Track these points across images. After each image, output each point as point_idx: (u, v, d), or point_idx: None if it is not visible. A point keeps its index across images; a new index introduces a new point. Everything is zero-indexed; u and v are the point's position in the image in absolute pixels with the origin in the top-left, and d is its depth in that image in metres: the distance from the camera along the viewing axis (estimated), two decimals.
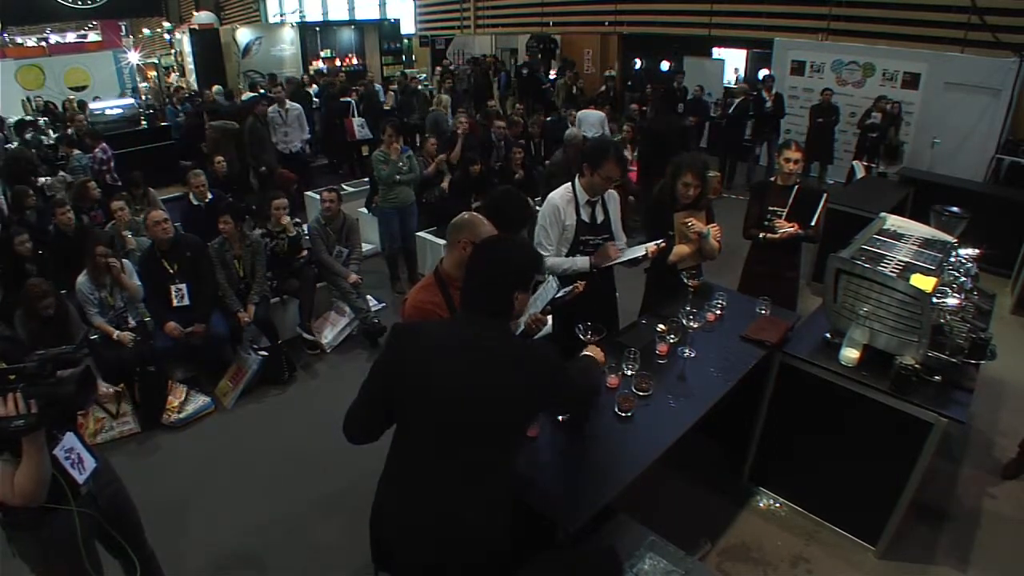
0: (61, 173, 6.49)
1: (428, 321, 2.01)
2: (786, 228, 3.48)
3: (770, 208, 3.59)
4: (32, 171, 6.51)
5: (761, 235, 3.59)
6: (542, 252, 2.94)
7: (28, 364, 1.60)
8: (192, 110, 9.50)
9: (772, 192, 3.63)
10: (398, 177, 5.10)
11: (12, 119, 10.18)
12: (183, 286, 3.96)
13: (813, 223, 3.51)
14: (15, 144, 8.01)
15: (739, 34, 10.39)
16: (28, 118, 10.53)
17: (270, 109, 7.54)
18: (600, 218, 3.03)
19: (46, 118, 10.31)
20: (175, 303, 3.94)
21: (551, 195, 3.03)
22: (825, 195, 3.56)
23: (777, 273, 3.61)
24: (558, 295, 2.35)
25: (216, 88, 10.95)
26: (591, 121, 7.62)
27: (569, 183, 3.01)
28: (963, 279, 2.65)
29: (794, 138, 8.59)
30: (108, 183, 6.74)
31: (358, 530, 2.84)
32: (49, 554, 1.89)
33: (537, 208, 3.26)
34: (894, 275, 2.61)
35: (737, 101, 8.34)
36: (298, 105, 7.71)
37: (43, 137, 8.70)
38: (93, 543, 2.03)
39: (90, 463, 1.91)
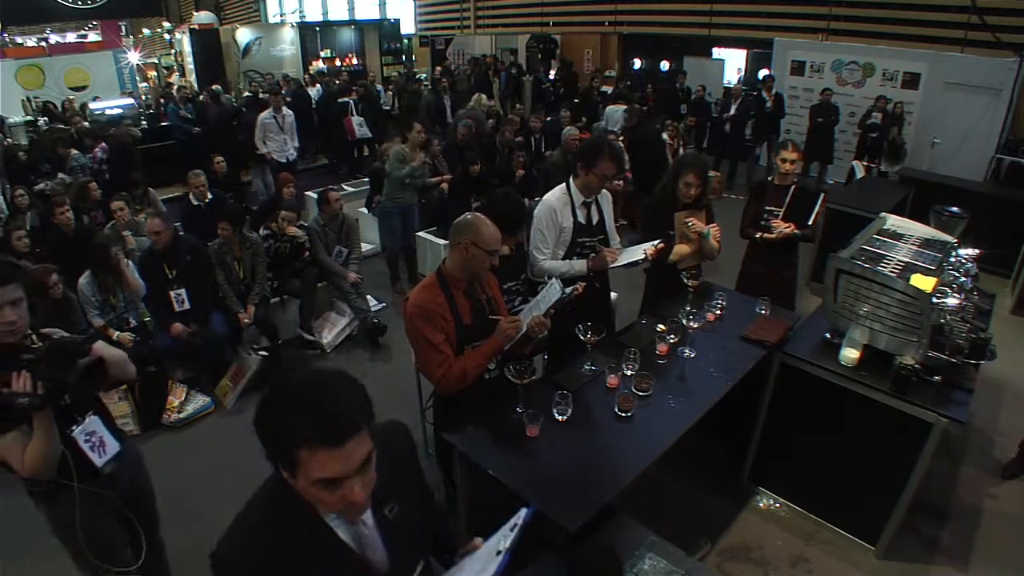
0: (60, 175, 6.48)
1: None
2: (782, 228, 3.48)
3: (767, 208, 3.60)
4: (31, 170, 6.53)
5: (758, 235, 3.60)
6: (539, 256, 2.95)
7: (39, 347, 1.67)
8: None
9: (769, 192, 3.63)
10: (408, 181, 5.09)
11: (12, 119, 10.18)
12: (182, 291, 3.94)
13: (810, 223, 3.51)
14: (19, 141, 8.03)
15: (739, 34, 10.39)
16: (29, 118, 10.56)
17: (264, 115, 7.05)
18: (595, 219, 3.03)
19: (45, 118, 10.31)
20: (176, 308, 3.93)
21: (546, 197, 3.02)
22: (823, 196, 3.56)
23: (774, 272, 3.61)
24: (559, 297, 2.35)
25: (216, 88, 10.95)
26: (616, 118, 7.60)
27: (564, 184, 3.01)
28: (963, 279, 2.65)
29: (794, 138, 8.65)
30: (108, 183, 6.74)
31: None
32: (63, 527, 1.95)
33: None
34: (894, 275, 2.61)
35: (738, 102, 8.33)
36: (291, 112, 7.35)
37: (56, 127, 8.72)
38: (110, 523, 2.06)
39: (113, 447, 1.96)
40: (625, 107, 7.70)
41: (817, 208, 3.49)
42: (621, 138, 6.60)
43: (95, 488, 1.92)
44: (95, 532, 1.97)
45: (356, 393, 1.08)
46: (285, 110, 7.25)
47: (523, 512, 1.25)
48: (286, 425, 1.00)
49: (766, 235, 3.55)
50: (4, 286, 1.71)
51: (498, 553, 1.22)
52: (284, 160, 7.15)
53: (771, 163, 7.96)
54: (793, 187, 3.54)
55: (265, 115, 7.08)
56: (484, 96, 9.23)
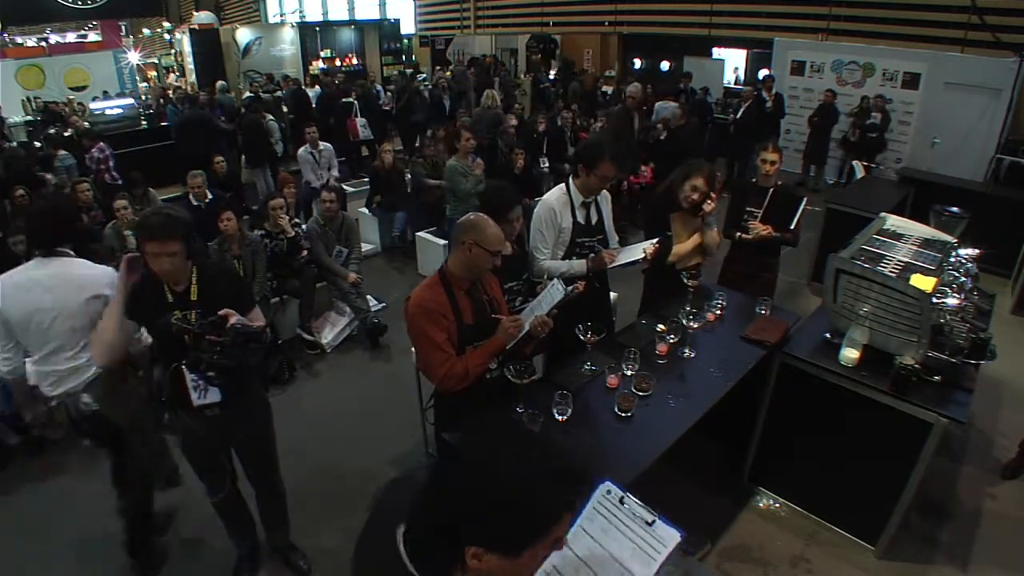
0: (48, 175, 6.44)
1: None
2: (758, 229, 3.48)
3: (747, 208, 3.59)
4: (30, 169, 6.50)
5: (737, 235, 3.60)
6: (538, 255, 2.95)
7: (228, 330, 2.00)
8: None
9: (752, 193, 3.63)
10: (473, 191, 5.05)
11: (12, 119, 10.17)
12: None
13: (792, 227, 3.50)
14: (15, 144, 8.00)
15: (739, 34, 10.40)
16: (29, 118, 10.55)
17: (301, 151, 6.61)
18: (594, 219, 3.04)
19: (31, 117, 10.29)
20: None
21: (545, 197, 3.03)
22: (804, 200, 3.53)
23: (752, 273, 3.61)
24: (562, 297, 2.35)
25: (220, 84, 10.94)
26: (665, 114, 7.67)
27: (563, 184, 3.02)
28: (963, 279, 2.65)
29: (793, 138, 8.66)
30: (108, 182, 6.72)
31: (358, 530, 2.85)
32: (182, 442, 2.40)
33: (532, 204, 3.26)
34: (894, 275, 2.61)
35: (747, 105, 8.17)
36: (329, 145, 6.83)
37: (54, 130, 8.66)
38: (200, 454, 2.41)
39: (214, 396, 2.25)
40: (676, 103, 7.71)
41: (799, 213, 3.47)
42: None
43: (188, 420, 2.26)
44: (192, 457, 2.42)
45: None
46: (322, 145, 6.67)
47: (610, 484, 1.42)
48: (551, 502, 0.99)
49: (743, 236, 3.55)
50: (164, 240, 1.99)
51: (651, 523, 1.37)
52: (317, 187, 6.49)
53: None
54: (772, 189, 3.54)
55: (301, 151, 6.64)
56: (494, 92, 9.16)
